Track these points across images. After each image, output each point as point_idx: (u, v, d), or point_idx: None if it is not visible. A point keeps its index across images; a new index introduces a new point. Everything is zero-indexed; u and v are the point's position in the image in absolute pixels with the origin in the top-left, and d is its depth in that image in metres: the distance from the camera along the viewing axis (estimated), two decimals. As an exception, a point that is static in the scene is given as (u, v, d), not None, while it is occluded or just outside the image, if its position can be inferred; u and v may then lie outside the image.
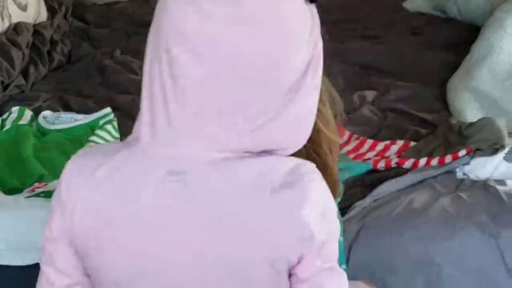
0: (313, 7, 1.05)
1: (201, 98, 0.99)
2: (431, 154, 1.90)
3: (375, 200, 1.68)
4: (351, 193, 1.74)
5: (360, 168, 1.86)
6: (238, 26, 0.97)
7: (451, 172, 1.82)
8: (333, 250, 1.07)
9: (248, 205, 0.99)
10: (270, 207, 0.99)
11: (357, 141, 2.03)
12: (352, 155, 1.97)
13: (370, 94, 2.35)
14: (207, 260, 1.01)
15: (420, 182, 1.78)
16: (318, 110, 1.11)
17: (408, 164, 1.87)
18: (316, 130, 1.12)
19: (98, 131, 2.10)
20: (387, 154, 1.96)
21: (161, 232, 1.01)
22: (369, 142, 2.02)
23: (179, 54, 0.98)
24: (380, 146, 2.00)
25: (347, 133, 2.07)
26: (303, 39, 1.02)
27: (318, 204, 1.01)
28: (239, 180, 1.00)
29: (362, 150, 1.99)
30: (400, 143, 2.01)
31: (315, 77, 1.05)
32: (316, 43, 1.05)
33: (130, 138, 1.05)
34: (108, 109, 2.18)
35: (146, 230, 1.02)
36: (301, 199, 0.99)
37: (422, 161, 1.87)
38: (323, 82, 1.13)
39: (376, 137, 2.08)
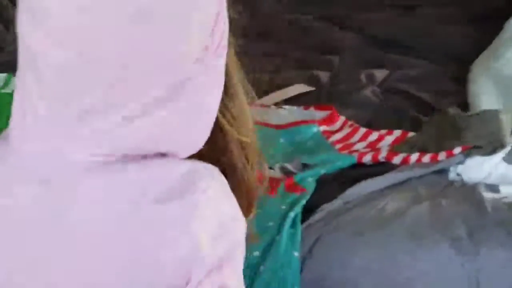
0: None
1: (65, 89, 0.82)
2: (425, 149, 1.70)
3: (345, 203, 1.50)
4: (322, 193, 1.56)
5: (342, 161, 1.68)
6: None
7: (444, 171, 1.63)
8: (232, 274, 0.91)
9: (124, 220, 0.84)
10: (151, 222, 0.83)
11: (350, 129, 1.85)
12: (339, 145, 1.78)
13: (380, 73, 2.15)
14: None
15: (405, 181, 1.60)
16: (223, 105, 0.94)
17: (397, 159, 1.68)
18: (219, 129, 0.95)
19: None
20: (379, 145, 1.77)
21: (18, 249, 0.87)
22: (362, 131, 1.83)
23: (30, 32, 0.82)
24: (374, 136, 1.81)
25: (341, 119, 1.89)
26: (195, 15, 0.84)
27: (213, 218, 0.84)
28: (115, 189, 0.84)
29: (352, 140, 1.81)
30: (397, 133, 1.82)
31: (216, 64, 0.88)
32: (218, 19, 0.87)
33: (5, 132, 0.91)
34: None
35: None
36: (190, 211, 0.83)
37: (414, 157, 1.68)
38: (232, 69, 0.96)
39: (373, 123, 1.89)
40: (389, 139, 1.79)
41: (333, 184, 1.60)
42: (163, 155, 0.88)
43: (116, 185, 0.85)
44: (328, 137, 1.81)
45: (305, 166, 1.66)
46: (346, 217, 1.45)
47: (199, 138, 0.91)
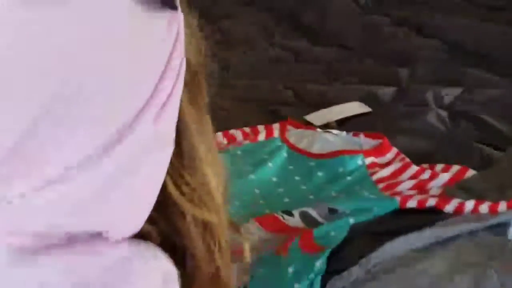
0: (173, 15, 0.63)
1: None
2: (484, 195, 1.42)
3: (374, 266, 1.24)
4: (350, 249, 1.30)
5: (381, 206, 1.41)
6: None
7: (503, 226, 1.34)
8: None
9: None
10: None
11: (400, 164, 1.57)
12: (382, 185, 1.51)
13: (451, 92, 1.86)
14: None
15: (452, 237, 1.32)
16: (178, 175, 0.71)
17: (450, 207, 1.40)
18: (172, 204, 0.73)
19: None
20: (430, 185, 1.49)
21: None
22: (414, 169, 1.55)
23: None
24: (427, 174, 1.53)
25: (393, 151, 1.62)
26: (121, 77, 0.62)
27: None
28: (31, 283, 0.64)
29: (401, 178, 1.53)
30: (454, 169, 1.53)
31: (159, 127, 0.65)
32: (164, 78, 0.64)
33: None
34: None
35: None
36: None
37: (469, 204, 1.39)
38: (192, 130, 0.73)
39: (434, 156, 1.61)
40: (444, 177, 1.50)
41: (364, 237, 1.34)
42: (95, 235, 0.66)
43: (19, 280, 0.64)
44: (373, 173, 1.55)
45: (333, 211, 1.40)
46: (369, 288, 1.19)
47: (135, 216, 0.68)
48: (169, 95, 0.65)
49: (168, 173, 0.70)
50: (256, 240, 1.33)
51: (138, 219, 0.67)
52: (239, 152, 1.65)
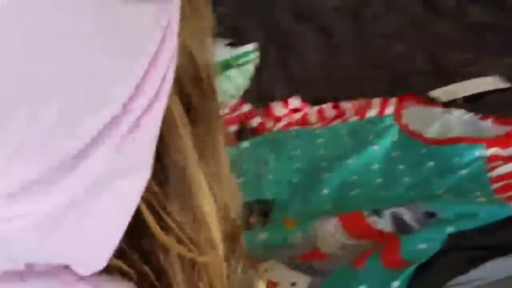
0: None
1: None
2: None
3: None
4: (438, 268, 1.10)
5: (490, 213, 1.19)
6: None
7: None
8: None
9: None
10: None
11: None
12: (498, 185, 1.28)
13: None
14: None
15: None
16: (161, 206, 0.59)
17: None
18: (154, 240, 0.61)
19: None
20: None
21: None
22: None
23: None
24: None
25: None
26: (83, 84, 0.50)
27: None
28: None
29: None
30: None
31: (138, 140, 0.53)
32: (140, 87, 0.52)
33: None
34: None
35: None
36: None
37: None
38: (184, 150, 0.60)
39: None
40: None
41: (460, 252, 1.13)
42: (58, 268, 0.55)
43: None
44: (491, 168, 1.31)
45: (430, 215, 1.20)
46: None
47: (96, 251, 0.56)
48: (148, 107, 0.50)
49: (147, 204, 0.57)
50: (334, 245, 1.16)
51: (99, 252, 0.54)
52: (344, 130, 1.46)
